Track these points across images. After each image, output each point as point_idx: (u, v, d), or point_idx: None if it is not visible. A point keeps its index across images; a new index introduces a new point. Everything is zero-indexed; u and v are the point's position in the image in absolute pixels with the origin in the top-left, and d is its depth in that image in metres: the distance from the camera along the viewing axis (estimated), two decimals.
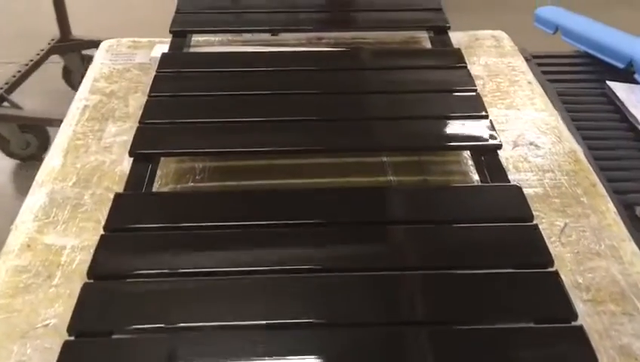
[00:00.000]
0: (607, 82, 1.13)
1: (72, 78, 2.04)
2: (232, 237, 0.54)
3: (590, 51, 1.23)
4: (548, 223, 0.64)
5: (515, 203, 0.58)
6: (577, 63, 1.24)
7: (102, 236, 0.54)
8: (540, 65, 1.22)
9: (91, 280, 0.51)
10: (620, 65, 1.16)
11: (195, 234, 0.55)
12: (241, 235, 0.55)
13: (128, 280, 0.51)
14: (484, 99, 0.72)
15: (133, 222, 0.56)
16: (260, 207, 0.57)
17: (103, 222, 0.58)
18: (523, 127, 0.77)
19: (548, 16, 1.38)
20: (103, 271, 0.51)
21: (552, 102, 0.84)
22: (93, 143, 0.74)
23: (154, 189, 0.66)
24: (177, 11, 0.89)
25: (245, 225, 0.56)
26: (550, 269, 0.52)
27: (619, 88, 1.10)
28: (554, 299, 0.49)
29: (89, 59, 1.88)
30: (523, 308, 0.48)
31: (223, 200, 0.59)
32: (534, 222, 0.56)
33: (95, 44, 1.95)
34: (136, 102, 0.81)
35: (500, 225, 0.56)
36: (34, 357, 0.51)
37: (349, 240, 0.54)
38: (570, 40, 1.30)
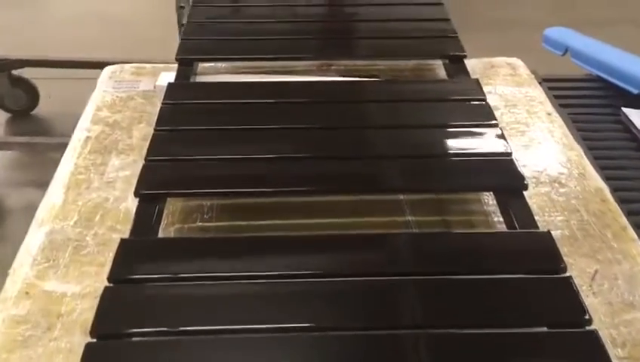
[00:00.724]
0: (623, 108, 1.10)
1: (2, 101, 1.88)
2: (243, 291, 0.50)
3: (602, 75, 1.21)
4: (578, 270, 0.60)
5: (546, 252, 0.54)
6: (590, 87, 1.21)
7: (106, 288, 0.51)
8: (551, 88, 1.19)
9: (94, 340, 0.47)
10: (634, 91, 1.14)
11: (206, 286, 0.51)
12: (254, 288, 0.51)
13: (135, 339, 0.47)
14: (502, 131, 0.69)
15: (140, 272, 0.52)
16: (270, 256, 0.54)
17: (106, 266, 0.55)
18: (545, 163, 0.74)
19: (557, 37, 1.36)
20: (107, 329, 0.47)
21: (568, 128, 0.81)
22: (95, 178, 0.70)
23: (160, 229, 0.63)
24: (183, 38, 0.86)
25: (255, 276, 0.52)
26: (588, 328, 0.48)
27: (634, 115, 1.07)
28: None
29: (19, 81, 1.84)
30: None
31: (233, 247, 0.56)
32: (567, 273, 0.53)
33: (24, 63, 1.90)
34: (140, 133, 0.77)
35: (531, 277, 0.53)
36: None
37: (364, 296, 0.51)
38: (581, 62, 1.28)
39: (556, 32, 1.40)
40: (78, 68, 1.86)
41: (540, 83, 0.98)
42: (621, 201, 0.84)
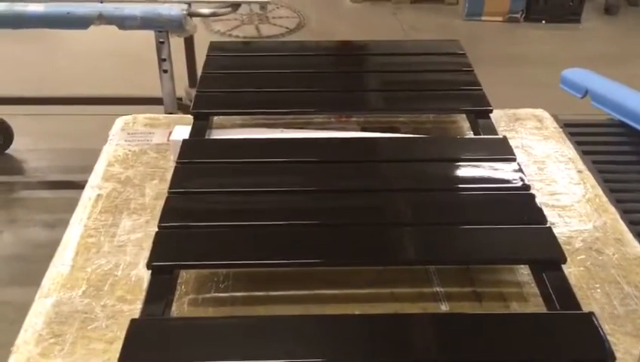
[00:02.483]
0: None
1: None
2: None
3: (625, 120, 1.17)
4: (622, 351, 0.56)
5: (591, 336, 0.50)
6: (613, 133, 1.18)
7: None
8: (572, 134, 1.16)
9: None
10: None
11: None
12: None
13: None
14: (535, 194, 0.66)
15: (151, 358, 0.48)
16: (289, 340, 0.50)
17: (114, 343, 0.51)
18: (579, 228, 0.70)
19: (576, 79, 1.32)
20: None
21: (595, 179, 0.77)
22: (105, 242, 0.67)
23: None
24: (198, 90, 0.83)
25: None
26: None
27: None
28: None
29: None
30: None
31: (248, 328, 0.52)
32: None
33: None
34: (153, 191, 0.74)
35: None
36: None
37: None
38: (602, 106, 1.24)
39: (575, 74, 1.37)
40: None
41: (561, 128, 0.94)
42: None
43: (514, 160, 0.70)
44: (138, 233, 0.68)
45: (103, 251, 0.66)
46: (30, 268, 0.64)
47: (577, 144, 1.13)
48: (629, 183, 1.04)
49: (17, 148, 1.91)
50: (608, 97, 1.23)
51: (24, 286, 0.61)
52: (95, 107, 1.83)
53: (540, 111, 0.92)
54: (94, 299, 0.61)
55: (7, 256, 1.54)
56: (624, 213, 0.89)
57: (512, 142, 0.77)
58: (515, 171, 0.68)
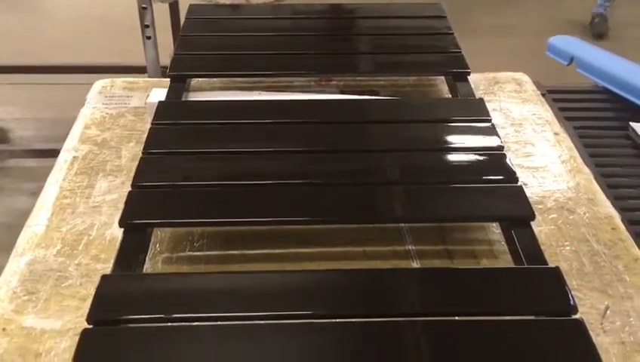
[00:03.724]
0: (631, 123, 1.07)
1: None
2: (233, 332, 0.47)
3: (610, 87, 1.17)
4: (588, 306, 0.57)
5: (555, 291, 0.51)
6: (596, 100, 1.18)
7: (84, 331, 0.47)
8: (556, 100, 1.16)
9: None
10: None
11: (192, 329, 0.48)
12: (244, 329, 0.48)
13: None
14: (507, 152, 0.66)
15: (121, 312, 0.49)
16: (263, 295, 0.51)
17: (87, 300, 0.52)
18: (552, 188, 0.70)
19: (562, 46, 1.32)
20: None
21: (574, 144, 0.78)
22: (81, 202, 0.67)
23: (147, 258, 0.60)
24: (176, 52, 0.83)
25: (247, 317, 0.49)
26: None
27: None
28: None
29: None
30: None
31: (223, 284, 0.52)
32: (579, 315, 0.49)
33: None
34: (130, 153, 0.74)
35: (539, 319, 0.49)
36: None
37: (363, 338, 0.47)
38: (587, 73, 1.24)
39: (561, 41, 1.37)
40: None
41: (544, 95, 0.94)
42: (630, 223, 0.80)
43: (489, 120, 0.70)
44: (114, 194, 0.68)
45: (78, 211, 0.66)
46: (16, 236, 0.64)
47: (560, 110, 1.13)
48: (609, 148, 1.05)
49: (3, 117, 1.90)
50: (594, 64, 1.23)
51: (9, 254, 0.61)
52: (80, 76, 1.81)
53: (519, 75, 0.92)
54: (68, 257, 0.61)
55: None
56: (602, 177, 0.90)
57: (490, 105, 0.78)
58: (489, 131, 0.68)
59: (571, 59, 1.38)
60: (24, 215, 0.66)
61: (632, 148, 1.06)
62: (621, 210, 0.78)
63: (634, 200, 0.91)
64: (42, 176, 0.72)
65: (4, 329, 0.54)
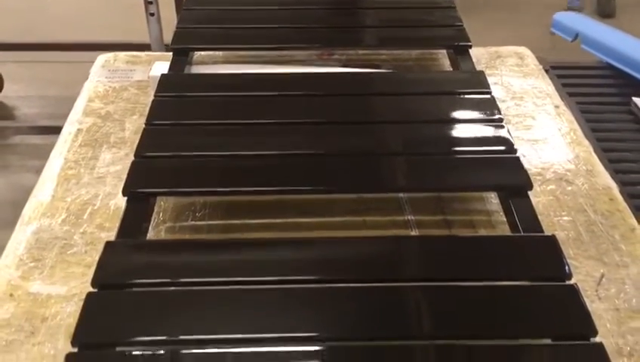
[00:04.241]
0: (633, 98, 1.07)
1: None
2: (234, 298, 0.48)
3: (613, 63, 1.17)
4: (583, 273, 0.58)
5: (550, 257, 0.52)
6: (599, 75, 1.18)
7: (89, 294, 0.49)
8: (559, 77, 1.16)
9: (75, 349, 0.45)
10: None
11: (195, 293, 0.49)
12: (246, 293, 0.49)
13: (119, 348, 0.45)
14: (508, 125, 0.66)
15: (125, 277, 0.50)
16: (264, 261, 0.52)
17: (93, 267, 0.53)
18: (551, 159, 0.71)
19: (567, 22, 1.32)
20: (90, 338, 0.45)
21: (576, 119, 0.78)
22: (85, 173, 0.68)
23: (150, 227, 0.61)
24: (179, 26, 0.83)
25: (249, 281, 0.50)
26: (593, 340, 0.46)
27: None
28: None
29: None
30: None
31: (225, 250, 0.53)
32: (573, 280, 0.50)
33: None
34: (133, 126, 0.75)
35: (534, 284, 0.50)
36: None
37: (362, 304, 0.48)
38: (591, 49, 1.24)
39: (566, 17, 1.36)
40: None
41: (547, 71, 0.95)
42: (630, 196, 0.81)
43: (489, 93, 0.70)
44: (117, 165, 0.69)
45: (82, 182, 0.67)
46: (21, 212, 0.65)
47: (563, 86, 1.13)
48: (611, 123, 1.05)
49: (7, 95, 1.91)
50: (598, 40, 1.23)
51: None
52: (84, 53, 1.81)
53: (521, 49, 0.91)
54: (73, 226, 0.62)
55: (1, 200, 1.56)
56: (603, 151, 0.90)
57: (491, 79, 0.78)
58: (489, 103, 0.69)
59: (576, 35, 1.38)
60: (30, 192, 0.68)
61: (634, 123, 1.06)
62: (621, 183, 0.79)
63: (635, 174, 0.92)
64: (47, 154, 0.73)
65: (11, 295, 0.55)
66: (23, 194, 0.70)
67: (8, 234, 0.63)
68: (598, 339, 0.47)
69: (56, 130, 0.75)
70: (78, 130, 0.74)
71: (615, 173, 0.90)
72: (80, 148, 0.72)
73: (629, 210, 0.64)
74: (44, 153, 0.75)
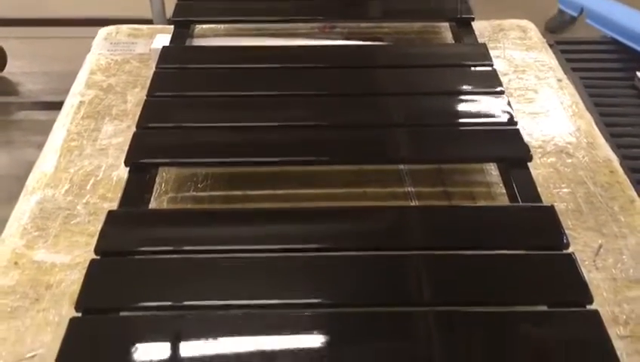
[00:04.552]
0: (638, 73, 1.06)
1: None
2: (236, 266, 0.49)
3: (618, 37, 1.17)
4: (581, 244, 0.58)
5: (548, 227, 0.52)
6: (604, 50, 1.17)
7: (92, 261, 0.49)
8: (563, 52, 1.15)
9: (79, 314, 0.46)
10: None
11: (197, 261, 0.50)
12: (246, 262, 0.50)
13: (122, 313, 0.46)
14: (510, 98, 0.66)
15: (127, 245, 0.51)
16: (265, 229, 0.52)
17: (96, 236, 0.54)
18: (552, 132, 0.71)
19: None
20: (93, 303, 0.46)
21: (579, 96, 0.78)
22: (88, 145, 0.69)
23: (153, 198, 0.62)
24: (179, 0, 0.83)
25: (251, 250, 0.51)
26: (590, 308, 0.46)
27: None
28: (595, 345, 0.44)
29: None
30: (561, 357, 0.43)
31: (226, 219, 0.54)
32: (570, 250, 0.51)
33: None
34: (135, 99, 0.75)
35: (532, 253, 0.51)
36: None
37: (365, 270, 0.49)
38: (596, 24, 1.24)
39: None
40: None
41: (551, 46, 0.94)
42: (631, 171, 0.81)
43: (490, 65, 0.70)
44: (120, 137, 0.70)
45: (85, 154, 0.68)
46: None
47: (567, 61, 1.13)
48: (614, 98, 1.05)
49: (11, 71, 1.90)
50: (603, 14, 1.22)
51: None
52: (87, 29, 1.80)
53: (524, 22, 0.91)
54: (77, 197, 0.63)
55: (4, 176, 1.57)
56: (606, 126, 0.90)
57: (494, 52, 0.78)
58: (490, 76, 0.68)
59: (581, 10, 1.37)
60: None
61: (637, 98, 1.06)
62: (623, 157, 0.79)
63: (637, 149, 0.92)
64: (51, 129, 0.73)
65: (15, 263, 0.56)
66: (27, 170, 0.70)
67: (12, 208, 0.63)
68: (594, 307, 0.47)
69: (59, 106, 0.76)
70: (81, 102, 0.75)
71: (617, 148, 0.90)
72: (82, 121, 0.72)
73: (629, 182, 0.65)
74: (47, 129, 0.75)
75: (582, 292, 0.47)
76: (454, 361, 0.44)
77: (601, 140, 0.70)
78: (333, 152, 0.61)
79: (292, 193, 0.64)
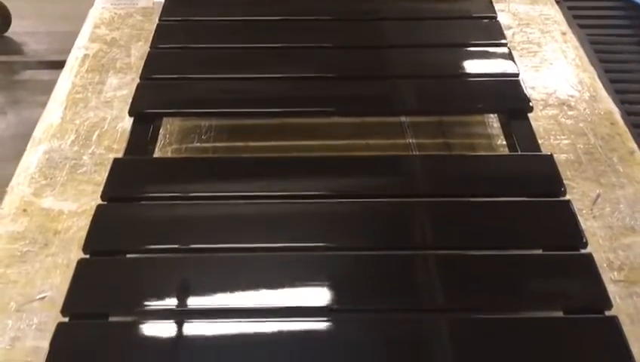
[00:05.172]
0: None
1: None
2: (238, 211, 0.50)
3: None
4: (579, 193, 0.59)
5: (547, 175, 0.53)
6: (611, 7, 1.16)
7: (98, 206, 0.51)
8: (570, 8, 1.14)
9: (87, 256, 0.47)
10: None
11: (199, 206, 0.51)
12: (249, 208, 0.51)
13: (127, 256, 0.48)
14: (513, 52, 0.66)
15: (133, 191, 0.52)
16: (268, 177, 0.53)
17: (101, 185, 0.55)
18: (555, 84, 0.71)
19: None
20: (99, 245, 0.48)
21: (587, 55, 0.78)
22: (93, 97, 0.70)
23: (157, 148, 0.63)
24: None
25: (253, 196, 0.52)
26: (583, 251, 0.47)
27: None
28: (587, 286, 0.45)
29: None
30: (553, 297, 0.44)
31: (230, 167, 0.55)
32: (567, 197, 0.52)
33: None
34: (139, 52, 0.75)
35: (529, 200, 0.51)
36: (29, 332, 0.49)
37: (365, 216, 0.50)
38: None
39: None
40: None
41: (558, 2, 0.93)
42: (633, 126, 0.81)
43: (494, 17, 0.70)
44: (124, 90, 0.70)
45: (90, 106, 0.69)
46: None
47: (574, 18, 1.12)
48: (620, 54, 1.04)
49: (16, 31, 1.90)
50: None
51: None
52: None
53: None
54: (83, 147, 0.64)
55: (12, 136, 1.58)
56: (604, 72, 0.90)
57: (498, 5, 0.77)
58: (493, 27, 0.68)
59: None
60: None
61: None
62: (627, 113, 0.79)
63: None
64: None
65: (24, 210, 0.58)
66: (34, 129, 0.71)
67: None
68: (589, 251, 0.48)
69: (64, 65, 0.76)
70: (85, 55, 0.75)
71: (621, 103, 0.90)
72: (87, 74, 0.73)
73: (629, 134, 0.65)
74: (53, 88, 0.76)
75: (576, 237, 0.48)
76: (453, 299, 0.45)
77: (603, 93, 0.70)
78: (337, 104, 0.62)
79: (294, 144, 0.65)
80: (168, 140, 0.65)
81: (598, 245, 0.55)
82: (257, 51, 0.68)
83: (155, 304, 0.44)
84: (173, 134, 0.65)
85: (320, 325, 0.43)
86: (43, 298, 0.51)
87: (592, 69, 0.74)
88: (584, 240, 0.48)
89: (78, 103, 0.69)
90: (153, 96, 0.62)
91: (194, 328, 0.42)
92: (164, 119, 0.65)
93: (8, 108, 1.68)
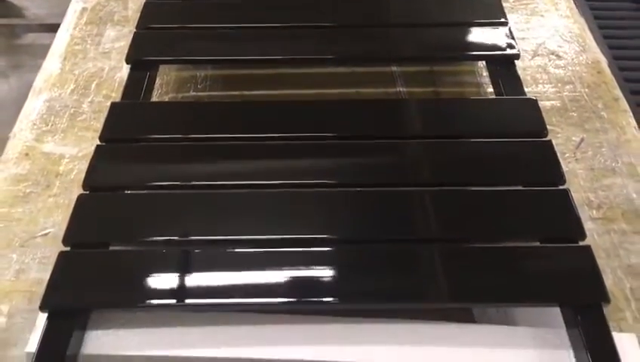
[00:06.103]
0: None
1: None
2: (232, 150, 0.52)
3: None
4: (564, 138, 0.61)
5: (530, 117, 0.55)
6: None
7: (97, 146, 0.53)
8: None
9: (86, 191, 0.50)
10: None
11: (193, 146, 0.53)
12: (243, 148, 0.53)
13: (124, 192, 0.50)
14: (504, 4, 0.67)
15: (130, 132, 0.54)
16: (263, 119, 0.55)
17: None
18: (545, 35, 0.72)
19: None
20: (98, 182, 0.50)
21: (578, 5, 0.78)
22: (91, 49, 0.71)
23: (154, 98, 0.64)
24: None
25: (246, 138, 0.53)
26: (561, 187, 0.49)
27: None
28: (563, 218, 0.47)
29: None
30: (531, 227, 0.47)
31: (224, 110, 0.57)
32: (548, 137, 0.53)
33: None
34: (136, 5, 0.77)
35: (513, 140, 0.53)
36: (32, 265, 0.51)
37: (357, 155, 0.52)
38: None
39: None
40: None
41: None
42: (620, 70, 0.82)
43: None
44: (122, 42, 0.72)
45: (89, 57, 0.70)
46: None
47: None
48: (615, 11, 1.05)
49: None
50: None
51: None
52: None
53: None
54: (82, 96, 0.66)
55: (15, 99, 1.60)
56: (604, 39, 0.91)
57: None
58: None
59: None
60: None
61: (638, 11, 1.05)
62: (614, 58, 0.80)
63: (629, 50, 0.93)
64: None
65: (26, 155, 0.60)
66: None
67: None
68: (566, 187, 0.50)
69: None
70: (83, 8, 0.76)
71: (609, 49, 0.91)
72: (85, 26, 0.74)
73: (615, 82, 0.66)
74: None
75: (555, 174, 0.50)
76: (440, 231, 0.47)
77: (592, 43, 0.71)
78: (325, 52, 0.63)
79: (287, 93, 0.66)
80: (165, 90, 0.67)
81: (579, 186, 0.57)
82: (253, 2, 0.69)
83: (153, 234, 0.46)
84: (170, 83, 0.67)
85: (321, 254, 0.45)
86: (46, 234, 0.53)
87: (582, 20, 0.75)
88: (563, 178, 0.49)
89: (77, 54, 0.70)
90: (150, 44, 0.63)
91: (191, 256, 0.45)
92: (161, 70, 0.66)
93: (10, 71, 1.69)
